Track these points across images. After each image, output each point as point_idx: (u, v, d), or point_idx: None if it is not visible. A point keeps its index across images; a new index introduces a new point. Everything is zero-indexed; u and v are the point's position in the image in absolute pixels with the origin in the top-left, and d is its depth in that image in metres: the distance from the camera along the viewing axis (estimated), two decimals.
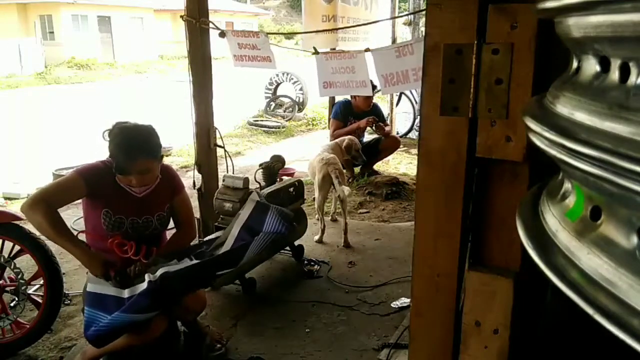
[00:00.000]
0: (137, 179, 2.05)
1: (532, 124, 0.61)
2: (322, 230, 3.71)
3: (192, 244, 2.35)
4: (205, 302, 2.29)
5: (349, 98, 5.27)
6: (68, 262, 3.26)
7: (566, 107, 0.57)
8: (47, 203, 1.96)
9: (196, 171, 3.29)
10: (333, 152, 4.00)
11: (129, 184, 2.08)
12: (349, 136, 4.60)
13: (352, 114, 5.16)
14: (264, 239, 2.12)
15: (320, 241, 3.69)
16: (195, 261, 2.02)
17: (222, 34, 3.36)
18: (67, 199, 2.05)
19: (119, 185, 2.11)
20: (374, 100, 5.30)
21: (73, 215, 3.67)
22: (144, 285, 1.86)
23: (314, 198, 4.68)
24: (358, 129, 5.07)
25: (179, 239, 2.31)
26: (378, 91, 4.48)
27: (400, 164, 6.01)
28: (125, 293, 1.86)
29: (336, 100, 5.84)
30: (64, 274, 2.63)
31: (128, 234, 2.11)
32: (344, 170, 3.91)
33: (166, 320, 2.03)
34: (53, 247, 2.58)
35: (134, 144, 2.02)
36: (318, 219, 3.75)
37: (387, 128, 5.34)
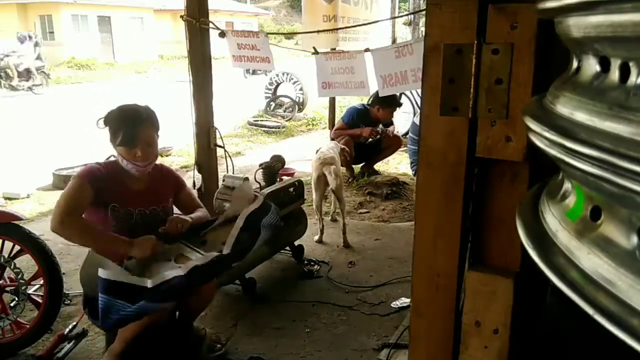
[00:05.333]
0: (142, 150, 2.10)
1: (532, 124, 0.61)
2: (321, 230, 3.71)
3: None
4: (214, 292, 2.38)
5: (365, 104, 5.27)
6: (68, 263, 3.26)
7: (566, 107, 0.57)
8: (73, 216, 2.00)
9: (196, 171, 3.29)
10: (335, 150, 3.99)
11: (134, 159, 2.11)
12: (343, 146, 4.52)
13: (366, 121, 5.12)
14: (264, 234, 2.24)
15: (320, 241, 3.69)
16: (215, 254, 2.07)
17: (222, 34, 3.36)
18: (83, 206, 2.08)
19: (120, 181, 2.15)
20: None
21: None
22: (170, 275, 1.88)
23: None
24: (360, 137, 5.05)
25: (202, 214, 2.39)
26: (401, 105, 4.66)
27: (400, 164, 6.02)
28: (149, 283, 1.87)
29: (350, 105, 5.84)
30: (64, 274, 2.64)
31: (137, 226, 2.13)
32: (344, 168, 3.90)
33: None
34: (53, 247, 2.59)
35: (137, 112, 2.13)
36: (318, 220, 3.76)
37: (389, 128, 5.35)
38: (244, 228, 2.16)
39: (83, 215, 2.06)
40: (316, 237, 3.70)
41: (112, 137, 2.11)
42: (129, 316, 1.84)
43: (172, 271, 1.89)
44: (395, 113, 6.97)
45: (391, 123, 5.48)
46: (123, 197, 2.13)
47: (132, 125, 2.08)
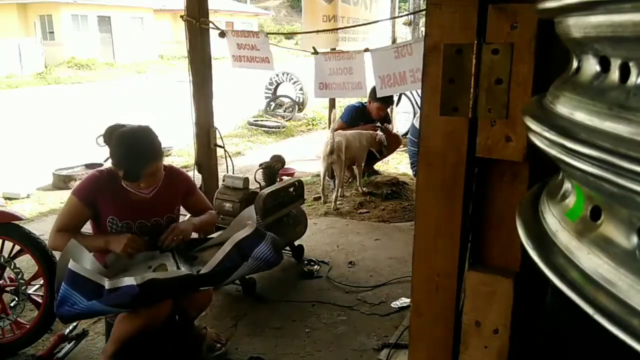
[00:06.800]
0: (146, 181, 2.07)
1: (532, 124, 0.61)
2: (325, 195, 4.53)
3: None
4: (211, 297, 2.33)
5: (363, 102, 5.27)
6: None
7: (566, 107, 0.57)
8: (63, 231, 2.03)
9: (196, 171, 3.29)
10: (358, 138, 4.58)
11: (137, 188, 2.09)
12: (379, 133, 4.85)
13: (365, 119, 5.14)
14: (251, 264, 2.10)
15: (325, 202, 4.49)
16: (185, 272, 2.01)
17: (222, 34, 3.36)
18: (79, 223, 2.09)
19: (121, 190, 2.11)
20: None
21: None
22: (125, 282, 1.87)
23: (314, 198, 4.71)
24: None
25: (209, 217, 2.37)
26: (394, 102, 4.89)
27: (400, 164, 6.02)
28: (107, 284, 1.86)
29: (348, 103, 5.85)
30: None
31: None
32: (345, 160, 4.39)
33: (170, 303, 2.04)
34: None
35: (142, 150, 2.03)
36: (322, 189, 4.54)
37: (389, 126, 5.35)
38: (231, 253, 2.07)
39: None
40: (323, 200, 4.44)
41: (114, 165, 2.06)
42: (81, 312, 1.84)
43: (130, 279, 1.88)
44: (394, 113, 6.99)
45: (389, 121, 5.48)
46: (123, 209, 2.10)
47: (137, 163, 2.00)
